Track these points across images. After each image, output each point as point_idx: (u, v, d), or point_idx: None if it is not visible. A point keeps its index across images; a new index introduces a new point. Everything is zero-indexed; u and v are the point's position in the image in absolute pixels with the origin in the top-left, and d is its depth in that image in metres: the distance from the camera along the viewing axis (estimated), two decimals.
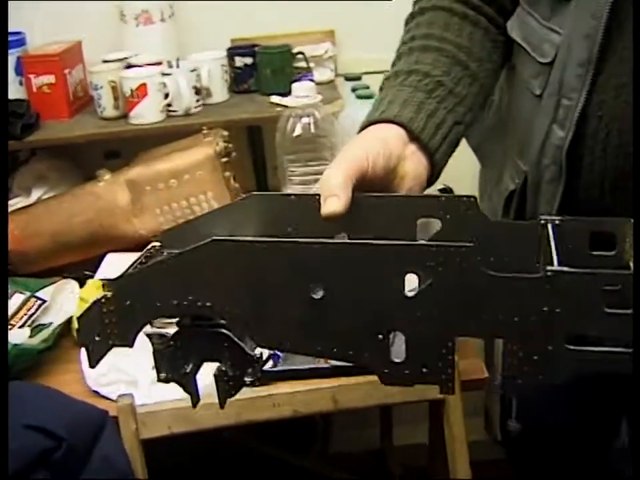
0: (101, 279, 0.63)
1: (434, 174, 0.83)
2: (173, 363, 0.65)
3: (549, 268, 0.56)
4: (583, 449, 1.44)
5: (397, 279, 0.58)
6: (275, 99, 1.71)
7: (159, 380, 0.66)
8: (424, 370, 0.61)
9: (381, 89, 0.91)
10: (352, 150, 0.74)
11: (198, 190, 1.55)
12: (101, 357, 0.65)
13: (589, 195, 0.92)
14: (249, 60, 1.77)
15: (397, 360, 0.61)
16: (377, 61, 1.86)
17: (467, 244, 0.57)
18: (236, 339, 0.64)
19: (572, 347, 0.57)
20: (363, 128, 0.83)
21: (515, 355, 0.58)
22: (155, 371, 0.66)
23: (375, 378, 0.62)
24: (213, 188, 1.54)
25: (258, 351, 0.65)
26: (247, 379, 0.65)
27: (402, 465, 2.17)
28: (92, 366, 0.65)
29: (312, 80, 1.67)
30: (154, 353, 0.65)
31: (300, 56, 1.77)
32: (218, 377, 0.65)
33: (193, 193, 1.55)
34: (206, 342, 0.65)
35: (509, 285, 0.57)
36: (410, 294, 0.58)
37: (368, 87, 1.73)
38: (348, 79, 1.84)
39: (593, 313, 0.56)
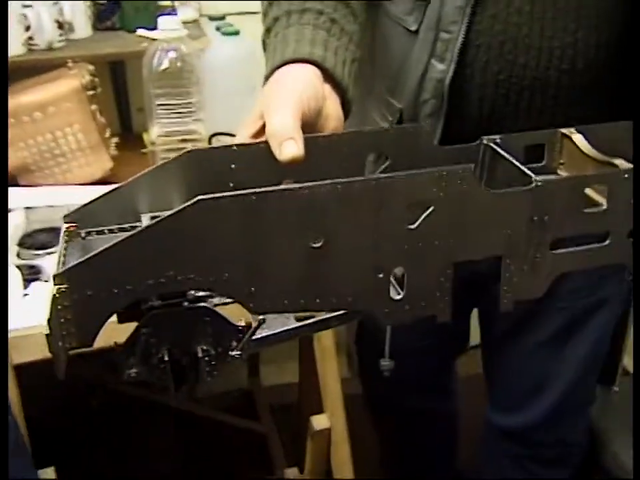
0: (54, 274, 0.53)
1: (346, 112, 0.81)
2: (145, 355, 0.58)
3: (536, 178, 0.59)
4: (437, 361, 1.52)
5: (399, 212, 0.57)
6: (141, 32, 1.70)
7: (129, 378, 0.59)
8: (422, 303, 0.61)
9: (268, 30, 0.87)
10: (288, 92, 0.71)
11: (64, 122, 1.52)
12: (65, 364, 0.56)
13: (469, 124, 0.96)
14: None
15: (396, 297, 0.60)
16: (239, 2, 1.89)
17: (465, 166, 0.58)
18: (218, 311, 0.58)
19: (556, 252, 0.61)
20: (276, 68, 0.78)
21: (506, 268, 0.61)
22: (123, 365, 0.58)
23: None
24: (79, 120, 1.52)
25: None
26: (234, 353, 0.59)
27: (270, 404, 2.22)
28: (61, 377, 0.56)
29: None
30: (116, 347, 0.58)
31: None
32: (202, 357, 0.58)
33: (59, 125, 1.52)
34: (182, 321, 0.58)
35: (502, 200, 0.59)
36: (412, 226, 0.58)
37: (232, 25, 1.75)
38: (212, 18, 1.86)
39: (574, 215, 0.60)
